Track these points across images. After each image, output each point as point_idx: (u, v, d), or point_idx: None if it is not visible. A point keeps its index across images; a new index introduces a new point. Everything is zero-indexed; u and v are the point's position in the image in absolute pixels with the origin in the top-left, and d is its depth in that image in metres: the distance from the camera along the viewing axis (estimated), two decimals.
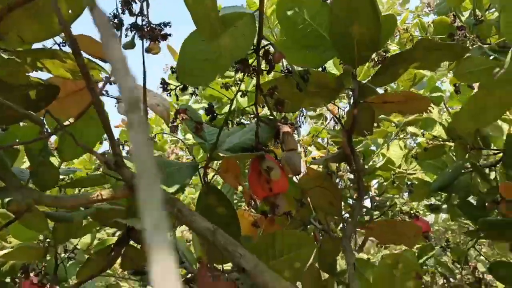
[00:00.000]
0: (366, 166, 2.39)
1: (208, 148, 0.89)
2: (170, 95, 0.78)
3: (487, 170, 1.51)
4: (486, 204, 1.43)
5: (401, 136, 2.30)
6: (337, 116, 1.07)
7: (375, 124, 2.50)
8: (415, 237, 0.95)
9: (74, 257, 1.53)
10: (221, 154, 0.76)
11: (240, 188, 1.15)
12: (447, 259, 2.03)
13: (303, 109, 2.58)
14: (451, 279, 1.86)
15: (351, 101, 1.03)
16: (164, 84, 0.77)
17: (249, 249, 0.50)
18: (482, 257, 1.99)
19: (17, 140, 1.14)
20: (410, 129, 2.49)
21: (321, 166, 1.21)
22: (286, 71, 0.85)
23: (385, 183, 2.27)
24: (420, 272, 1.49)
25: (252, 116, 0.81)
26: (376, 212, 2.36)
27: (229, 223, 0.84)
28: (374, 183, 2.76)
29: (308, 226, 1.27)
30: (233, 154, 0.76)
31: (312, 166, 1.05)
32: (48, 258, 1.66)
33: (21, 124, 1.19)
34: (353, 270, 0.78)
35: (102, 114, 0.59)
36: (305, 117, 2.69)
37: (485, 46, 1.22)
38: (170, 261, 0.13)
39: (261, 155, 0.76)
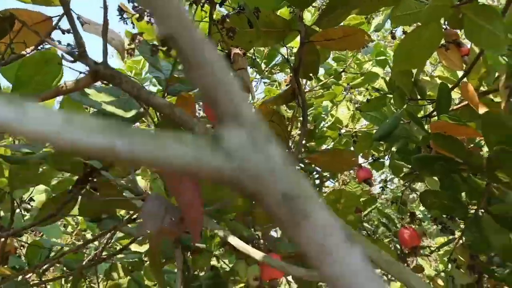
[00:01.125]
0: (316, 130, 2.52)
1: (164, 81, 0.94)
2: (127, 23, 0.82)
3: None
4: (422, 150, 1.58)
5: (349, 98, 2.43)
6: (285, 57, 1.14)
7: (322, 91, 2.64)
8: (352, 161, 1.06)
9: (30, 209, 1.53)
10: (176, 75, 0.82)
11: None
12: (390, 211, 2.20)
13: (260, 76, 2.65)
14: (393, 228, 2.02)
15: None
16: (121, 12, 0.81)
17: None
18: (422, 208, 2.17)
19: None
20: (358, 97, 2.66)
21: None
22: (239, 8, 0.91)
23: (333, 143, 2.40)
24: (360, 206, 1.62)
25: None
26: (326, 173, 2.51)
27: None
28: (324, 148, 2.92)
29: None
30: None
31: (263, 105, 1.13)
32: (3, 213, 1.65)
33: None
34: None
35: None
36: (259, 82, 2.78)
37: None
38: None
39: None
